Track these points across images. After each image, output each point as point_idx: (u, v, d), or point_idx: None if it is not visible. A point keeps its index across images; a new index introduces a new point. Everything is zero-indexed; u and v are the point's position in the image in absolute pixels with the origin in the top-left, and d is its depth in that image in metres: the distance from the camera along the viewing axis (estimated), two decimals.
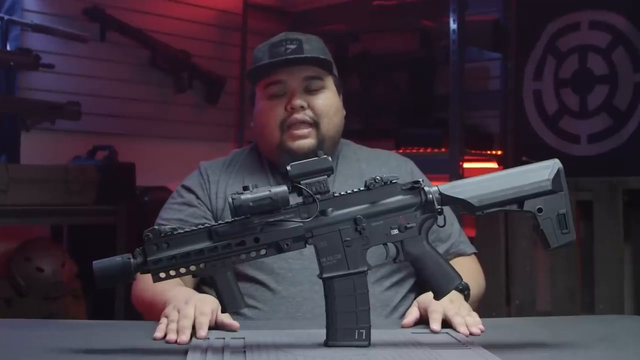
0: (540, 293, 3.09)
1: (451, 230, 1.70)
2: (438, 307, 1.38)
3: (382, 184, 1.24)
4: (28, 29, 3.23)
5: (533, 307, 3.05)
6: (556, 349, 1.23)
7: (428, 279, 1.26)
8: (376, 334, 1.22)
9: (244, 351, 1.18)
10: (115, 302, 3.19)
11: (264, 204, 1.18)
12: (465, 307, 1.43)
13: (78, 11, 3.56)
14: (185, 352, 1.18)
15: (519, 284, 3.07)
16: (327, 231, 1.22)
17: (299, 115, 1.61)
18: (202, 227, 1.21)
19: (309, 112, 1.62)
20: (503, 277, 3.07)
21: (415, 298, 1.71)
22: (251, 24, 4.23)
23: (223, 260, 1.20)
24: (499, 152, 3.66)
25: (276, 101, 1.63)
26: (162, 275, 1.19)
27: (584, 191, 2.93)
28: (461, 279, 1.27)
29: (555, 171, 1.24)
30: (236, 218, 1.20)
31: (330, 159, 1.23)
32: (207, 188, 1.68)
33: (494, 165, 3.65)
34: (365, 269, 1.23)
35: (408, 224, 1.24)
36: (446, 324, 1.36)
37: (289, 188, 1.20)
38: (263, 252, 1.22)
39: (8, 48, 3.11)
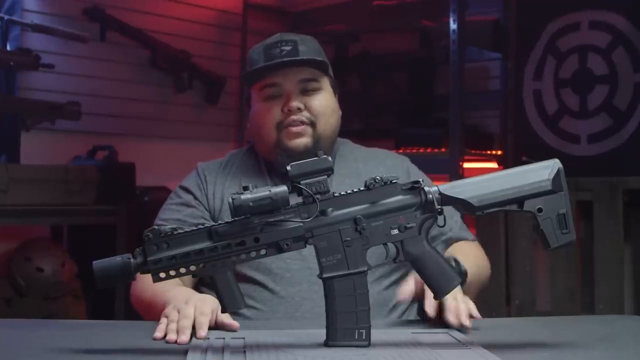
0: (540, 293, 3.09)
1: (451, 222, 1.70)
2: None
3: (382, 184, 1.24)
4: (28, 29, 3.23)
5: (533, 307, 3.05)
6: (556, 349, 1.23)
7: (428, 279, 1.26)
8: (376, 334, 1.22)
9: (244, 351, 1.18)
10: (115, 302, 3.19)
11: (264, 204, 1.18)
12: (462, 294, 1.42)
13: (78, 11, 3.56)
14: (185, 352, 1.18)
15: (519, 284, 3.07)
16: (327, 231, 1.22)
17: (295, 117, 1.61)
18: (202, 227, 1.21)
19: (305, 114, 1.62)
20: (503, 277, 3.07)
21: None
22: (251, 24, 4.23)
23: (223, 260, 1.20)
24: (499, 152, 3.66)
25: (272, 103, 1.63)
26: (162, 275, 1.20)
27: (584, 191, 2.94)
28: (461, 279, 1.27)
29: (555, 171, 1.24)
30: (236, 218, 1.20)
31: (330, 159, 1.23)
32: (205, 188, 1.68)
33: (494, 165, 3.65)
34: (365, 269, 1.23)
35: (408, 224, 1.24)
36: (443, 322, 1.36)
37: (288, 188, 1.20)
38: (263, 252, 1.22)
39: (8, 48, 3.11)
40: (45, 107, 3.21)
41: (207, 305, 1.33)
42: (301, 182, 1.22)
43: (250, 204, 1.17)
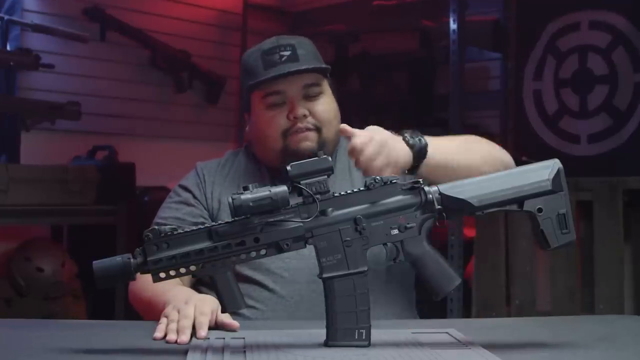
0: (540, 293, 3.09)
1: None
2: (360, 140, 1.43)
3: (382, 183, 1.24)
4: (28, 29, 3.23)
5: (533, 307, 3.04)
6: (556, 349, 1.23)
7: (428, 279, 1.26)
8: (376, 334, 1.22)
9: (244, 351, 1.18)
10: (115, 302, 3.18)
11: (264, 204, 1.18)
12: (386, 156, 1.43)
13: (78, 11, 3.56)
14: (185, 352, 1.18)
15: (519, 284, 3.06)
16: (327, 231, 1.22)
17: (302, 125, 1.61)
18: (202, 227, 1.21)
19: (310, 120, 1.62)
20: (503, 277, 3.07)
21: (414, 296, 1.72)
22: (251, 24, 4.23)
23: (223, 260, 1.20)
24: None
25: (277, 111, 1.63)
26: (162, 275, 1.20)
27: (584, 191, 2.93)
28: (461, 280, 1.27)
29: (555, 171, 1.24)
30: (236, 218, 1.20)
31: (330, 159, 1.23)
32: (204, 188, 1.69)
33: None
34: (365, 269, 1.23)
35: (408, 224, 1.24)
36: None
37: (289, 188, 1.20)
38: (263, 252, 1.22)
39: (8, 48, 3.11)
40: (45, 107, 3.21)
41: (207, 305, 1.34)
42: (301, 182, 1.22)
43: (250, 204, 1.17)
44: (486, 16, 3.71)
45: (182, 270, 1.20)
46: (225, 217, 1.22)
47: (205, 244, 1.19)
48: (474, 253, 3.13)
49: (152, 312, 1.46)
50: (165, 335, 1.27)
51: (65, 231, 3.53)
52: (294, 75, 1.61)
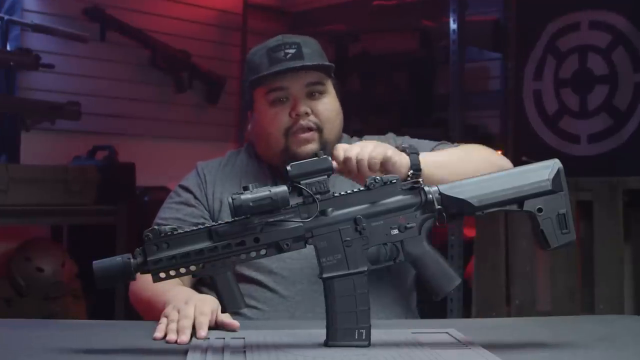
0: (540, 293, 3.09)
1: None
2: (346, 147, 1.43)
3: (382, 183, 1.24)
4: (28, 29, 3.23)
5: (533, 307, 3.04)
6: (556, 349, 1.23)
7: (428, 279, 1.25)
8: (376, 334, 1.22)
9: (244, 351, 1.18)
10: (115, 302, 3.19)
11: (264, 204, 1.18)
12: (372, 144, 1.44)
13: (78, 11, 3.56)
14: (185, 352, 1.18)
15: (519, 284, 3.06)
16: (327, 231, 1.22)
17: (304, 122, 1.62)
18: (202, 227, 1.21)
19: (312, 118, 1.62)
20: (503, 277, 3.07)
21: (415, 297, 1.71)
22: (251, 24, 4.23)
23: (223, 260, 1.20)
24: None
25: (279, 108, 1.63)
26: (162, 275, 1.20)
27: (584, 191, 2.93)
28: (461, 279, 1.27)
29: (555, 171, 1.24)
30: (236, 218, 1.20)
31: (330, 159, 1.24)
32: (204, 188, 1.69)
33: None
34: (366, 269, 1.23)
35: (408, 224, 1.24)
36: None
37: (289, 188, 1.21)
38: (263, 252, 1.22)
39: (8, 48, 3.11)
40: (45, 107, 3.21)
41: (207, 305, 1.34)
42: (301, 182, 1.22)
43: (250, 204, 1.17)
44: (486, 16, 3.71)
45: (182, 270, 1.20)
46: (227, 217, 1.22)
47: (205, 244, 1.19)
48: (474, 253, 3.13)
49: (152, 312, 1.46)
50: (165, 335, 1.27)
51: (65, 231, 3.53)
52: (297, 73, 1.61)
